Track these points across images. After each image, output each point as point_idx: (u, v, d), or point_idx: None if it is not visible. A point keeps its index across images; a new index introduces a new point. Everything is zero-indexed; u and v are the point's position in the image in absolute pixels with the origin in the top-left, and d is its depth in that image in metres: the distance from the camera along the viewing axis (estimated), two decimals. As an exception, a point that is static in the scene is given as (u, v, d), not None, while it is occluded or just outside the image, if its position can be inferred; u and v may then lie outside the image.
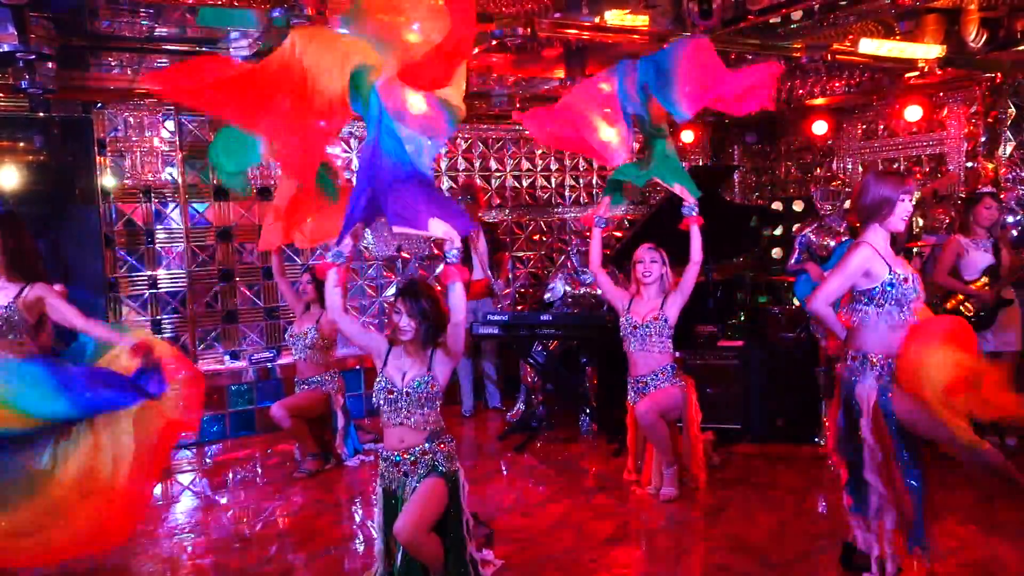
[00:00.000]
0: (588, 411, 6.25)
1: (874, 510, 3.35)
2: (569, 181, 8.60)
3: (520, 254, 8.34)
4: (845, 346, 3.43)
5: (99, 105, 6.30)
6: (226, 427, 6.61)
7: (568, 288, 6.72)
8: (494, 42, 4.79)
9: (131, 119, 6.44)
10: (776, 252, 8.31)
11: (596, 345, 6.16)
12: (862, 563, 3.51)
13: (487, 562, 3.75)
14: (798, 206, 8.22)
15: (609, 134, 4.29)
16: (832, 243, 5.75)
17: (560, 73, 6.03)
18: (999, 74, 6.38)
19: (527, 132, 8.20)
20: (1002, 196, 6.22)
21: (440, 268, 7.11)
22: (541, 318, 6.32)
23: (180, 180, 6.63)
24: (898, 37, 5.44)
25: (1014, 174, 6.56)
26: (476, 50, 5.12)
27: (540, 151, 8.39)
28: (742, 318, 7.66)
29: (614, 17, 4.70)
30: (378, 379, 3.39)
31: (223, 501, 5.14)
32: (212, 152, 3.47)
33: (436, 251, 7.25)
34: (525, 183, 8.36)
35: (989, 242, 5.21)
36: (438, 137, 3.26)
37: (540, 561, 3.94)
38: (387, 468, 3.36)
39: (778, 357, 6.01)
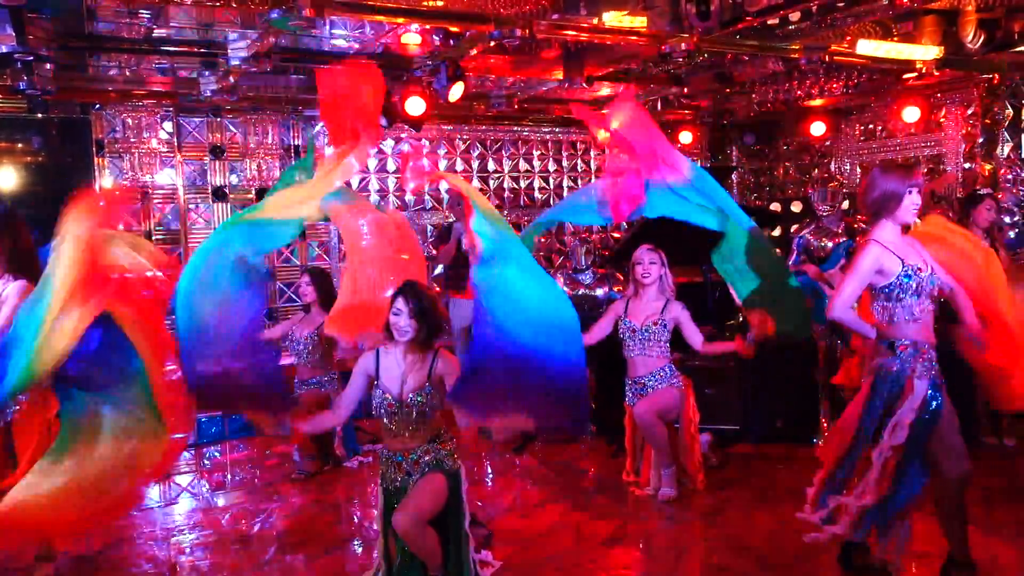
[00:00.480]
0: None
1: (857, 492, 3.34)
2: (567, 182, 8.61)
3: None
4: (882, 339, 3.34)
5: (97, 106, 6.30)
6: (225, 428, 6.59)
7: (567, 289, 6.72)
8: (492, 43, 4.79)
9: (129, 120, 6.44)
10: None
11: (594, 346, 6.14)
12: (861, 563, 3.51)
13: (486, 563, 3.75)
14: (796, 207, 8.22)
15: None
16: (830, 244, 5.76)
17: (559, 74, 6.03)
18: (996, 75, 6.38)
19: (525, 133, 8.26)
20: (1000, 196, 6.23)
21: (438, 269, 7.11)
22: (540, 319, 6.30)
23: (178, 181, 6.63)
24: (896, 38, 5.44)
25: (1014, 174, 6.56)
26: (475, 51, 5.12)
27: (538, 152, 8.40)
28: (740, 319, 7.66)
29: (612, 18, 4.70)
30: (375, 392, 3.36)
31: (222, 502, 5.14)
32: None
33: (436, 252, 7.25)
34: (523, 184, 8.36)
35: (986, 243, 5.22)
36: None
37: (539, 562, 3.94)
38: (389, 468, 3.35)
39: (776, 358, 6.00)
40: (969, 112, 6.92)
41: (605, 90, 7.06)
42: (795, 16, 4.63)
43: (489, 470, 5.58)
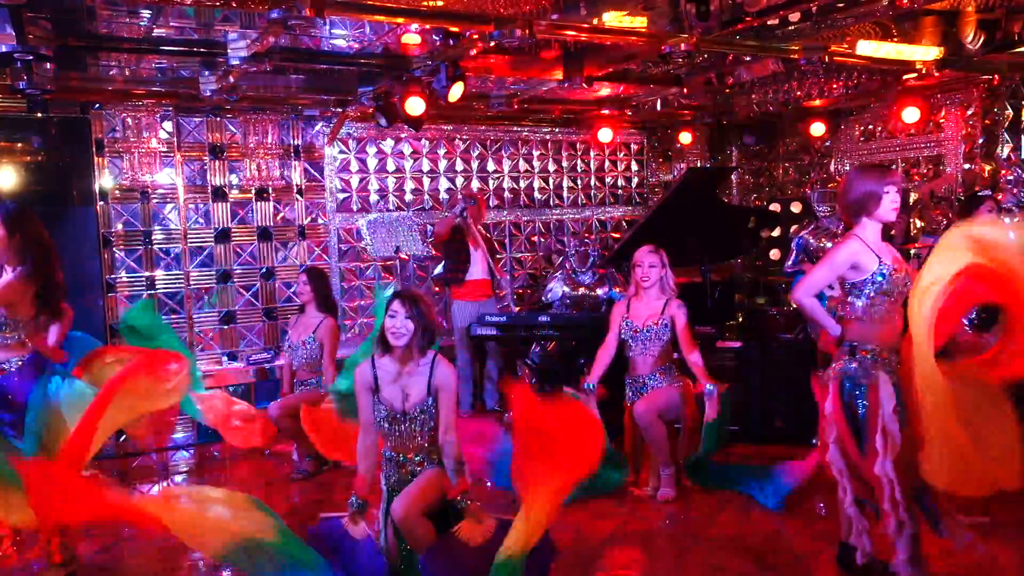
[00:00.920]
0: (586, 412, 6.24)
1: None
2: (567, 182, 8.61)
3: (518, 255, 8.35)
4: (845, 341, 3.39)
5: (97, 106, 6.29)
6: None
7: (566, 289, 6.73)
8: (492, 44, 4.79)
9: (129, 120, 6.43)
10: (774, 254, 8.31)
11: (594, 346, 6.15)
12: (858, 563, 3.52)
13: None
14: (796, 208, 8.23)
15: None
16: (829, 245, 5.76)
17: (559, 75, 6.03)
18: (997, 76, 6.38)
19: (525, 133, 8.26)
20: (1000, 197, 6.23)
21: (437, 269, 7.12)
22: (539, 319, 6.32)
23: (178, 181, 6.63)
24: (896, 39, 5.44)
25: (1014, 175, 6.56)
26: (474, 51, 5.12)
27: (538, 152, 8.40)
28: (740, 319, 7.67)
29: (612, 18, 4.69)
30: (376, 406, 3.36)
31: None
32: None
33: (435, 252, 7.25)
34: (523, 184, 8.36)
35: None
36: None
37: (538, 562, 3.94)
38: (392, 469, 3.36)
39: (776, 358, 6.01)
40: (969, 113, 6.92)
41: (605, 90, 7.06)
42: (795, 17, 4.63)
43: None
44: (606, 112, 7.85)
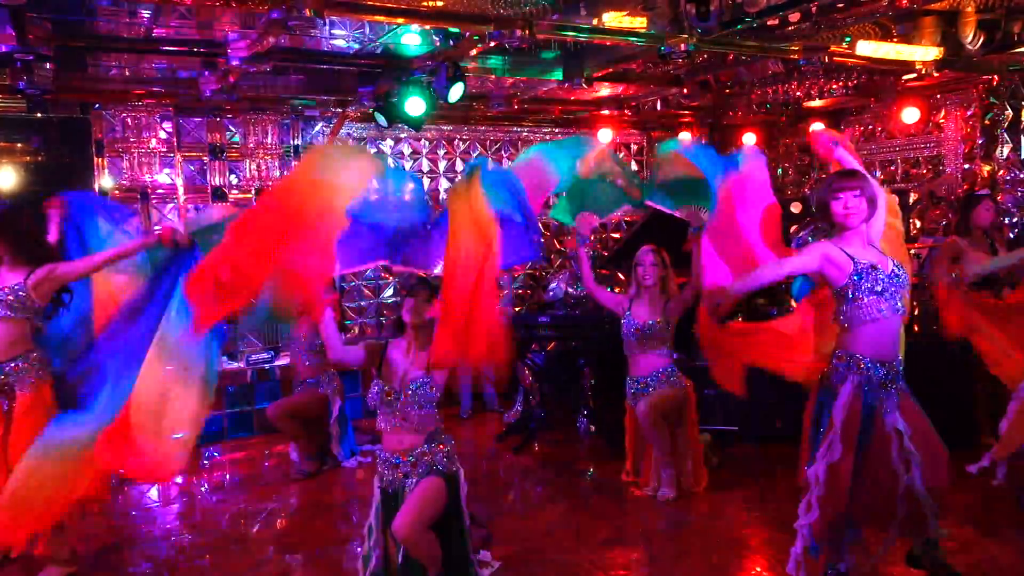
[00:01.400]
0: (586, 412, 6.25)
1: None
2: (567, 182, 8.59)
3: (518, 255, 8.33)
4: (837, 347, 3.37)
5: (97, 106, 6.29)
6: (224, 428, 6.59)
7: (569, 289, 6.72)
8: (492, 44, 4.79)
9: (129, 120, 6.43)
10: (774, 254, 8.29)
11: (594, 346, 6.16)
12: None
13: (485, 563, 3.75)
14: (796, 208, 8.21)
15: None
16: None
17: (558, 75, 6.03)
18: (996, 76, 6.39)
19: (525, 133, 8.25)
20: (999, 197, 6.23)
21: (437, 269, 7.10)
22: (539, 319, 6.31)
23: (177, 181, 6.63)
24: (896, 39, 5.44)
25: (1012, 175, 6.56)
26: (474, 51, 5.12)
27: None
28: (740, 319, 7.65)
29: (612, 19, 4.70)
30: (374, 382, 3.38)
31: (220, 502, 5.13)
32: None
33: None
34: (523, 184, 8.34)
35: (986, 243, 5.22)
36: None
37: (538, 563, 3.94)
38: (386, 469, 3.34)
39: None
40: (968, 113, 6.92)
41: (605, 90, 7.06)
42: (795, 17, 4.62)
43: (488, 470, 5.58)
44: (606, 112, 7.85)
